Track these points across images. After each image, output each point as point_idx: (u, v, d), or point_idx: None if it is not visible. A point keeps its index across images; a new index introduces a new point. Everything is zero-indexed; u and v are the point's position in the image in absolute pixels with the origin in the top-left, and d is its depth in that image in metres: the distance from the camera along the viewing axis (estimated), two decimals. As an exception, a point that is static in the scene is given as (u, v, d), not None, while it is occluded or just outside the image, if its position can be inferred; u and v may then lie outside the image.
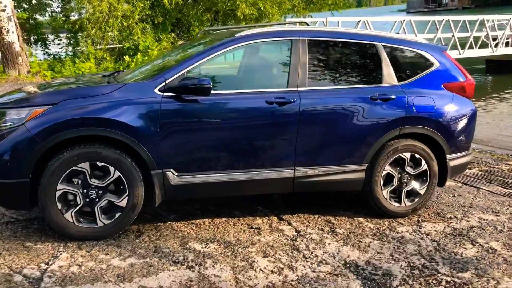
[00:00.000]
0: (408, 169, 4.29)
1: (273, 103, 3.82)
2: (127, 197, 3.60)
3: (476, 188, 5.41)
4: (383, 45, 4.27)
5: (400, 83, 4.26)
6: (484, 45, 17.25)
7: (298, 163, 3.97)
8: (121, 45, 15.66)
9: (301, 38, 4.04)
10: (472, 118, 4.50)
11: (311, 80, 4.03)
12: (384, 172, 4.23)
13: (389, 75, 4.24)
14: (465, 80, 4.47)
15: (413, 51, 4.40)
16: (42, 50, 18.48)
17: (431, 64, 4.40)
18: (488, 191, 5.30)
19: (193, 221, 4.12)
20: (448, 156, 4.39)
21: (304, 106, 3.91)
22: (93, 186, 3.53)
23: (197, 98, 3.67)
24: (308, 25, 7.83)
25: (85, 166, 3.49)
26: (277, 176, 3.93)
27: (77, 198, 3.52)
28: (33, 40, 18.62)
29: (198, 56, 3.79)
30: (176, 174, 3.69)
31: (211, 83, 3.57)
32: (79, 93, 3.68)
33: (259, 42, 4.07)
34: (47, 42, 18.42)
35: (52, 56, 17.76)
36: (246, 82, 4.23)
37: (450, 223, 4.28)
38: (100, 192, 3.55)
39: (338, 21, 11.84)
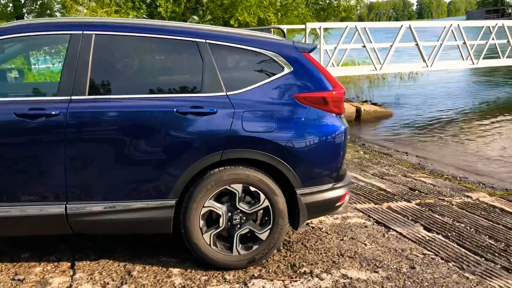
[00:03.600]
0: (241, 206, 3.22)
1: (26, 115, 2.91)
2: None
3: (387, 228, 4.21)
4: (209, 43, 3.24)
5: (230, 93, 3.21)
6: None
7: (71, 197, 3.02)
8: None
9: (85, 32, 3.10)
10: (337, 139, 3.37)
11: (96, 86, 3.08)
12: (205, 210, 3.18)
13: (213, 82, 3.20)
14: (330, 90, 3.36)
15: (256, 52, 3.32)
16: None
17: (281, 69, 3.32)
18: (399, 233, 4.08)
19: (-48, 266, 3.26)
20: (299, 191, 3.29)
21: (74, 120, 2.96)
22: None
23: None
24: (283, 32, 6.87)
25: None
26: (40, 213, 2.99)
27: None
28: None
29: None
30: None
31: None
32: None
33: (20, 37, 3.16)
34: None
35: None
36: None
37: (294, 281, 3.16)
38: None
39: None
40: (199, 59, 3.21)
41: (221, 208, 3.20)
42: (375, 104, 12.76)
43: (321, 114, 3.32)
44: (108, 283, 3.07)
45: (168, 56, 3.37)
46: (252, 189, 3.21)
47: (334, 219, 4.40)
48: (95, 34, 3.10)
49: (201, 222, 3.18)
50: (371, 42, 12.21)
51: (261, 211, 3.29)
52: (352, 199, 5.07)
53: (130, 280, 3.11)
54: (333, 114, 3.36)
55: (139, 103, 3.09)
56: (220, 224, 3.21)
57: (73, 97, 3.00)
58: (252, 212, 3.25)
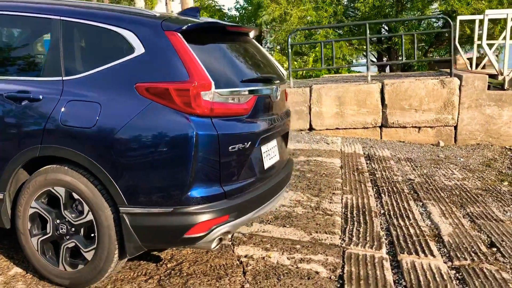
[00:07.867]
0: (66, 214, 2.70)
1: None
2: None
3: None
4: (62, 21, 2.79)
5: (67, 77, 2.69)
6: None
7: None
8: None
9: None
10: (181, 148, 2.45)
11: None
12: (32, 211, 2.78)
13: (54, 65, 2.74)
14: (181, 81, 2.47)
15: (108, 30, 2.67)
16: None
17: (131, 50, 2.60)
18: (341, 300, 2.79)
19: None
20: (123, 209, 2.55)
21: None
22: None
23: None
24: (450, 22, 5.93)
25: None
26: None
27: None
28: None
29: None
30: None
31: None
32: None
33: None
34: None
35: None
36: None
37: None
38: None
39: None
40: (51, 38, 2.80)
41: (48, 212, 2.74)
42: None
43: (163, 112, 2.48)
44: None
45: (21, 36, 3.05)
46: (76, 196, 2.65)
47: (288, 258, 3.30)
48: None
49: (29, 224, 2.79)
50: None
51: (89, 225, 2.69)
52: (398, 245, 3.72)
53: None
54: (186, 114, 2.47)
55: None
56: (48, 231, 2.76)
57: None
58: (78, 224, 2.68)
